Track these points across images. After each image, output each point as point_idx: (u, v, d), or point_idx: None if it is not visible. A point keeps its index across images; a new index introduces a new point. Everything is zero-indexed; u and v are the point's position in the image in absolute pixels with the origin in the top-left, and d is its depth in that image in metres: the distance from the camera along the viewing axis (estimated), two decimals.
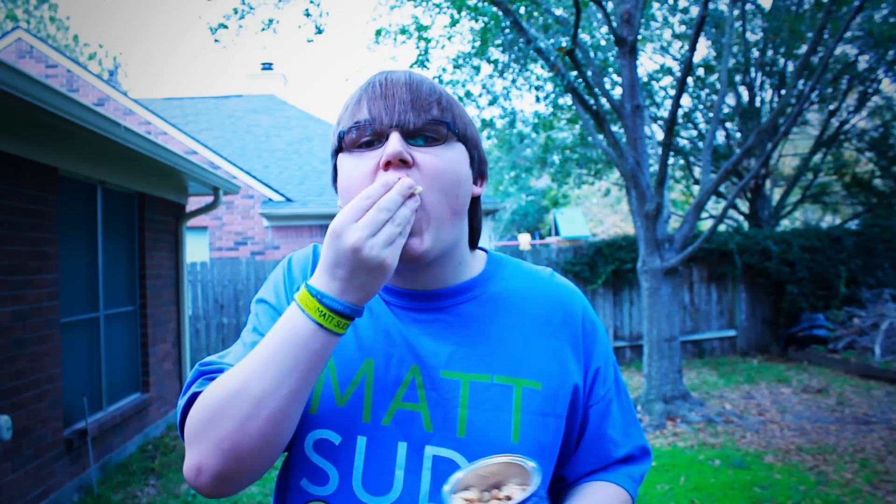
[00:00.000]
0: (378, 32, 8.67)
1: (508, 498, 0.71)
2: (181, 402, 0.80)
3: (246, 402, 0.72)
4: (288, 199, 11.44)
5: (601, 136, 7.11)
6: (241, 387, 0.73)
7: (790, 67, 10.66)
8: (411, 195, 0.74)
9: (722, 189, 12.26)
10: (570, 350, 0.89)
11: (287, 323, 0.74)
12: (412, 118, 0.79)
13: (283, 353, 0.73)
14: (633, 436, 0.94)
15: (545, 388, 0.85)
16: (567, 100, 8.60)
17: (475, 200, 0.90)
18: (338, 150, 0.85)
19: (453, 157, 0.82)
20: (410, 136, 0.80)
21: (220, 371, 0.81)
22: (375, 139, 0.80)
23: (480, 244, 0.96)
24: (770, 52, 10.84)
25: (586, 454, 0.92)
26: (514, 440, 0.82)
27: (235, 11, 7.11)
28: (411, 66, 8.40)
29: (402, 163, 0.77)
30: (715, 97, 10.50)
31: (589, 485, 0.91)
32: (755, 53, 10.90)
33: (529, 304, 0.90)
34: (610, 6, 6.67)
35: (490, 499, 0.72)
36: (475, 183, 0.88)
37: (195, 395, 0.79)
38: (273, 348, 0.73)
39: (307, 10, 7.01)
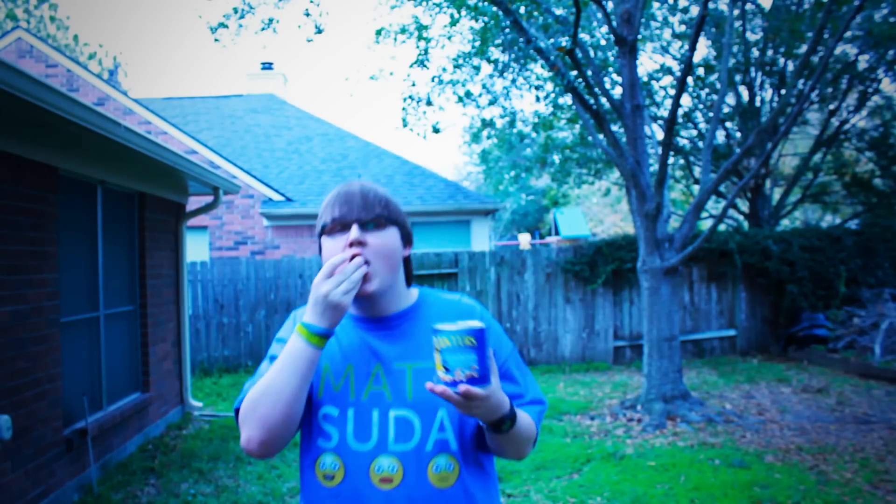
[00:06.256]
0: (378, 32, 8.68)
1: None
2: (237, 402, 1.30)
3: (271, 394, 1.22)
4: (288, 199, 11.45)
5: (601, 136, 7.11)
6: (268, 385, 1.23)
7: (790, 67, 10.66)
8: (362, 264, 1.26)
9: (722, 189, 12.26)
10: None
11: (291, 344, 1.24)
12: (364, 215, 1.30)
13: (289, 362, 1.23)
14: (532, 391, 1.41)
15: None
16: (567, 99, 8.60)
17: (406, 257, 1.42)
18: (321, 233, 1.35)
19: (390, 236, 1.33)
20: (364, 225, 1.30)
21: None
22: (343, 228, 1.31)
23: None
24: (770, 52, 10.83)
25: None
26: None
27: (235, 11, 7.11)
28: (411, 66, 8.54)
29: (359, 243, 1.28)
30: (715, 97, 10.50)
31: None
32: (755, 53, 10.89)
33: (443, 318, 1.33)
34: (610, 6, 6.66)
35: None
36: (404, 247, 1.38)
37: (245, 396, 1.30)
38: (284, 360, 1.23)
39: (307, 9, 7.02)
